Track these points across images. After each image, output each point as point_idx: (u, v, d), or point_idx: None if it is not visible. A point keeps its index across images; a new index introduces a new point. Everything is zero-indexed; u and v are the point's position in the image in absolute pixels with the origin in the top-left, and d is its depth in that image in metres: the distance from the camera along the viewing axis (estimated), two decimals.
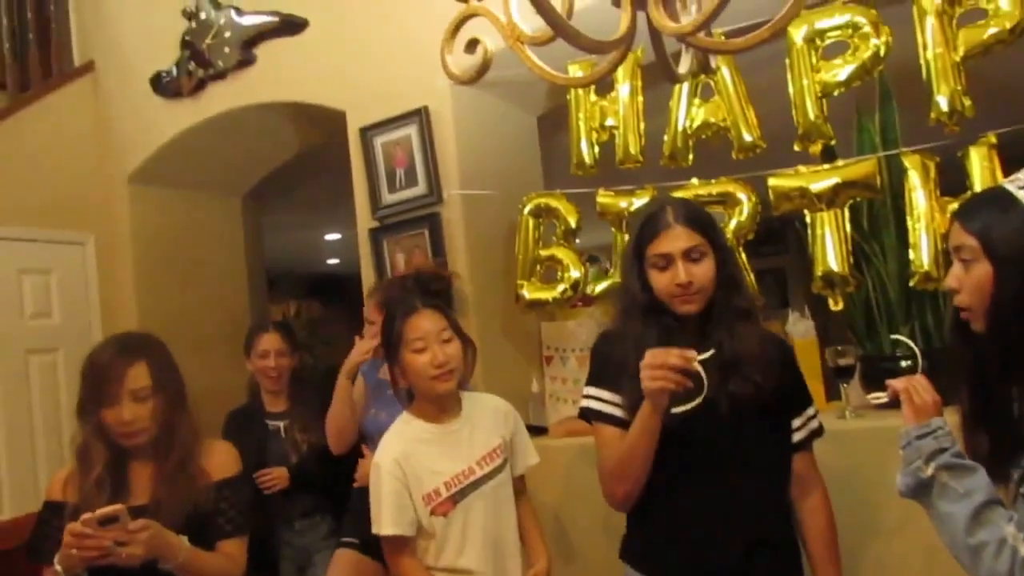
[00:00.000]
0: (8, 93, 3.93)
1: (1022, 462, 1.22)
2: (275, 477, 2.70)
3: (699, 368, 1.58)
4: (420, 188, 2.96)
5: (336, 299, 2.67)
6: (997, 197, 1.27)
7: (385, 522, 1.87)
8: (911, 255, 2.27)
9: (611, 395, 1.79)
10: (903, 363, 2.27)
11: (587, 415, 1.84)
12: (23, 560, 1.86)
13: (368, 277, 3.06)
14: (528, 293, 2.78)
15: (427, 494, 1.89)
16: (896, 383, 1.40)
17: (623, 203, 2.68)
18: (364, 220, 3.12)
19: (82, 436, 1.80)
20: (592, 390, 1.83)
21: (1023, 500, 1.19)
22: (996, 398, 1.26)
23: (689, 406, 1.62)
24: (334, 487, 2.63)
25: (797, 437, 1.79)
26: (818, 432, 1.81)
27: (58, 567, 1.61)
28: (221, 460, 1.87)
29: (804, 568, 1.80)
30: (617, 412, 1.77)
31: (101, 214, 3.77)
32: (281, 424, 2.85)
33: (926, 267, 2.22)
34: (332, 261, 8.72)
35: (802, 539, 1.81)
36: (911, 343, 1.41)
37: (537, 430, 2.64)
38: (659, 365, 1.58)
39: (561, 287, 2.73)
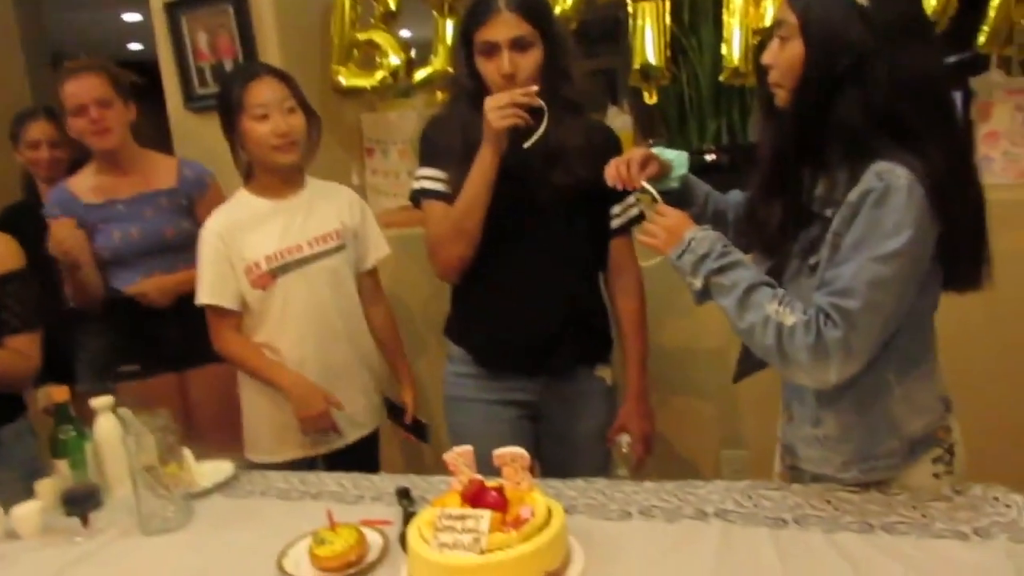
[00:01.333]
0: None
1: (806, 235, 1.31)
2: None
3: (541, 102, 1.63)
4: None
5: (141, 88, 2.40)
6: None
7: (204, 292, 1.90)
8: (723, 50, 2.31)
9: (438, 172, 1.81)
10: (707, 158, 2.37)
11: (418, 196, 1.86)
12: None
13: (166, 60, 2.78)
14: (345, 80, 2.65)
15: (248, 266, 1.90)
16: (639, 237, 1.44)
17: None
18: None
19: None
20: (422, 171, 1.85)
21: (809, 271, 1.29)
22: (790, 172, 1.33)
23: (536, 135, 1.67)
24: None
25: (615, 223, 1.86)
26: (638, 219, 1.88)
27: None
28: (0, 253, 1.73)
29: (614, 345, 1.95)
30: (444, 188, 1.80)
31: None
32: None
33: (736, 62, 2.27)
34: (134, 46, 7.90)
35: (615, 318, 1.94)
36: (650, 188, 1.46)
37: None
38: (506, 104, 1.61)
39: (380, 74, 2.61)
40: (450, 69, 2.40)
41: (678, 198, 1.55)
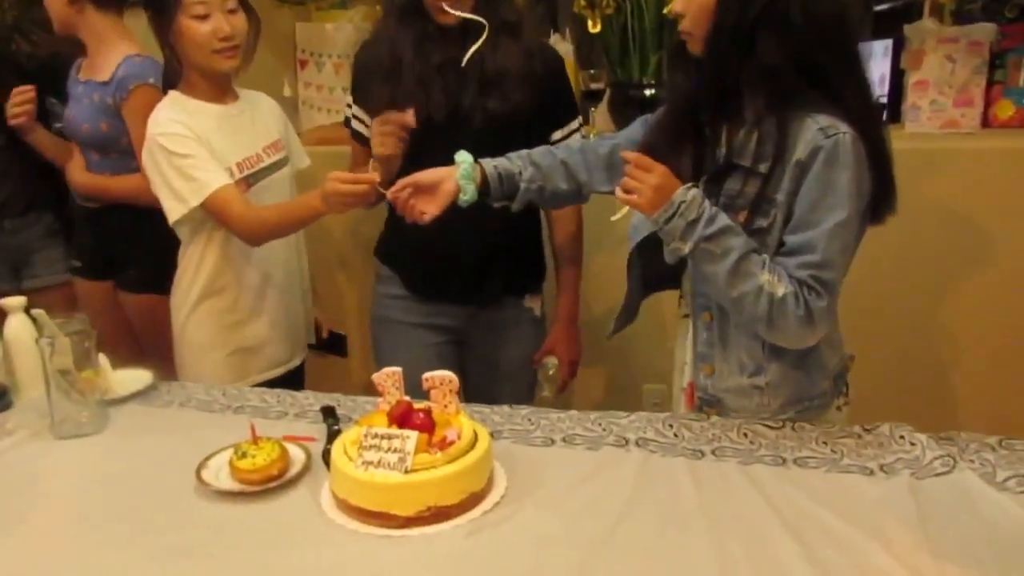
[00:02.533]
0: None
1: (724, 189, 1.31)
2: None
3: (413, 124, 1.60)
4: None
5: None
6: None
7: (209, 181, 1.70)
8: None
9: (363, 114, 1.79)
10: (647, 92, 2.36)
11: (347, 125, 1.86)
12: None
13: None
14: None
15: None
16: (619, 194, 1.30)
17: None
18: None
19: None
20: (353, 106, 1.83)
21: (754, 233, 1.28)
22: (705, 123, 1.31)
23: (471, 52, 1.64)
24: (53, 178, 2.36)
25: None
26: None
27: None
28: None
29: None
30: (367, 132, 1.77)
31: None
32: None
33: None
34: None
35: (551, 244, 1.95)
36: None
37: None
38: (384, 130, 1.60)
39: None
40: None
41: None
